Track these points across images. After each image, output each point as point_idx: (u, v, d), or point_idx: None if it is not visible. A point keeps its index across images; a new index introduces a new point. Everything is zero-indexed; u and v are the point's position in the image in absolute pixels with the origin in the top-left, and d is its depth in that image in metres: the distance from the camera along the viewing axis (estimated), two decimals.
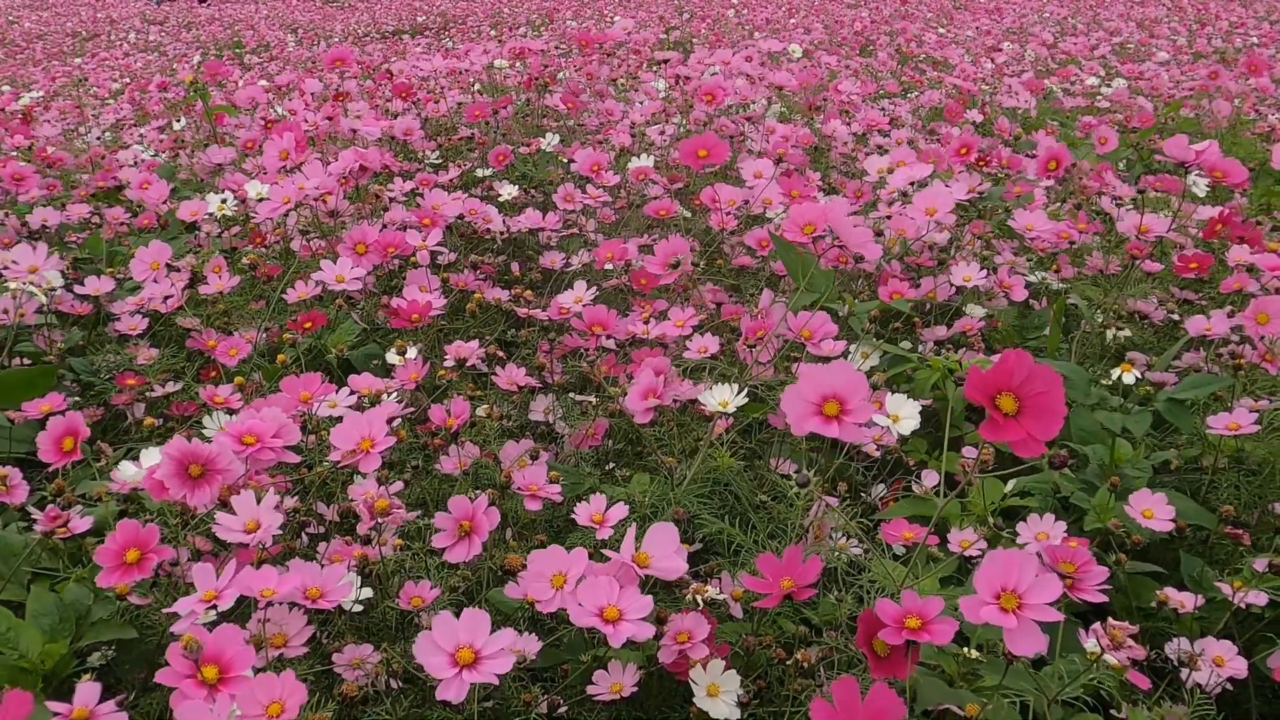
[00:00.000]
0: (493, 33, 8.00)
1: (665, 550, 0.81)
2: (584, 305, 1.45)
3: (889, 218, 1.68)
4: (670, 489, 1.11)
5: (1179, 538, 1.16)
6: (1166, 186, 2.02)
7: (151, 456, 1.00)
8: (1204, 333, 1.33)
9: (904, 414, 1.09)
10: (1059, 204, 2.15)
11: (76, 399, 1.69)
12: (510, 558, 0.82)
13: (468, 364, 1.26)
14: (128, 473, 1.01)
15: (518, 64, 2.88)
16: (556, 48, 6.26)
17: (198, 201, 1.88)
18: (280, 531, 1.02)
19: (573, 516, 1.03)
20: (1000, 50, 4.85)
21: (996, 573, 0.73)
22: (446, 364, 1.26)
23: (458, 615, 1.10)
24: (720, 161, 1.69)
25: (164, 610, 0.84)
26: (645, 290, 1.56)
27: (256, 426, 0.99)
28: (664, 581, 0.89)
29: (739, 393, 1.07)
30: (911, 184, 1.64)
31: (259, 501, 0.90)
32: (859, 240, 1.19)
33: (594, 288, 1.49)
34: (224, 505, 0.91)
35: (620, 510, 0.96)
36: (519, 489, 1.06)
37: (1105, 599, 0.80)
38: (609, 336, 1.43)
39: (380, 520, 0.92)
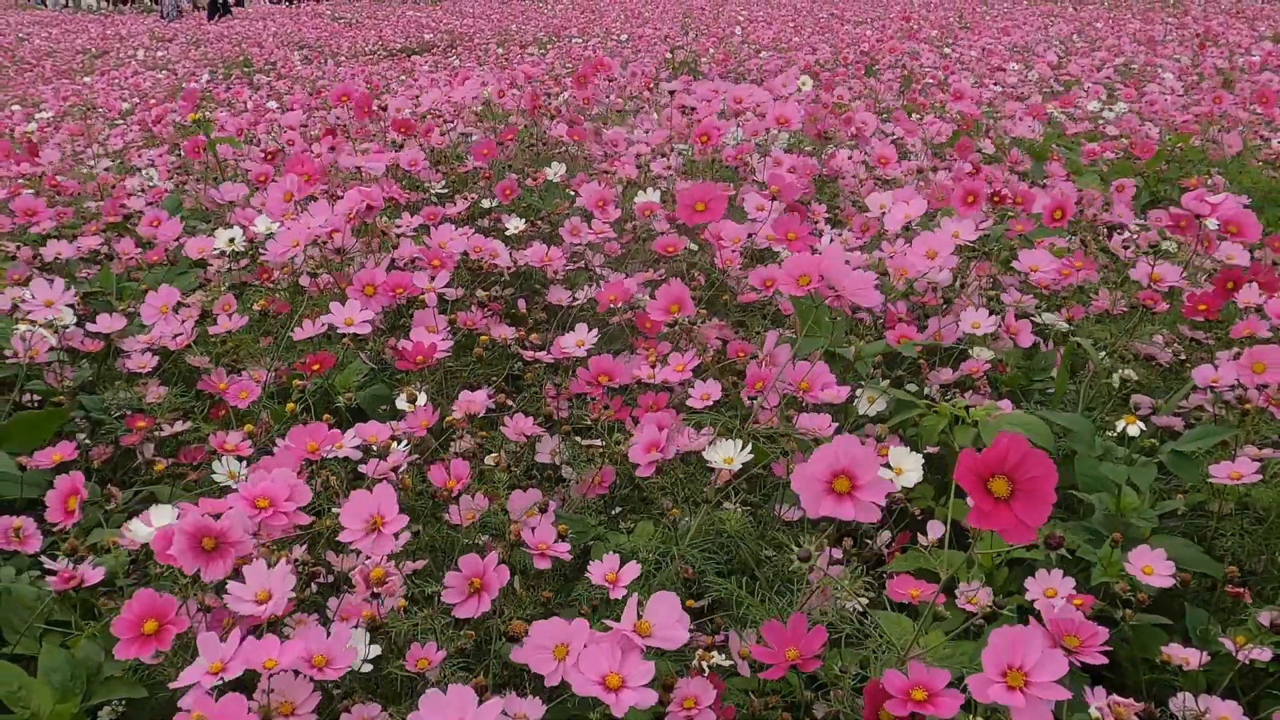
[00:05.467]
0: (500, 50, 8.04)
1: (668, 619, 0.82)
2: (587, 350, 1.44)
3: (893, 255, 1.68)
4: (674, 543, 1.11)
5: (1184, 588, 1.16)
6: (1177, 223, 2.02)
7: (161, 515, 1.01)
8: (1211, 384, 1.33)
9: (907, 466, 1.09)
10: (1067, 236, 2.15)
11: (86, 439, 1.70)
12: (514, 624, 0.82)
13: (476, 416, 1.26)
14: (140, 533, 1.01)
15: (513, 90, 2.89)
16: (561, 65, 6.30)
17: (205, 239, 1.90)
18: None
19: (583, 569, 1.03)
20: (1005, 71, 4.86)
21: (1003, 650, 0.73)
22: (455, 415, 1.26)
23: (468, 672, 1.11)
24: (718, 216, 1.67)
25: (171, 685, 0.85)
26: (649, 333, 1.57)
27: (270, 489, 0.99)
28: None
29: (743, 448, 1.07)
30: (909, 222, 1.63)
31: (271, 567, 0.90)
32: (857, 288, 1.18)
33: (596, 330, 1.49)
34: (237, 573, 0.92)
35: (633, 570, 0.97)
36: (528, 548, 1.06)
37: (1105, 660, 0.80)
38: (619, 385, 1.44)
39: (377, 589, 0.93)
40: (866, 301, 1.18)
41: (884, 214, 1.76)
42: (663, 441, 1.14)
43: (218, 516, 0.95)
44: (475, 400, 1.23)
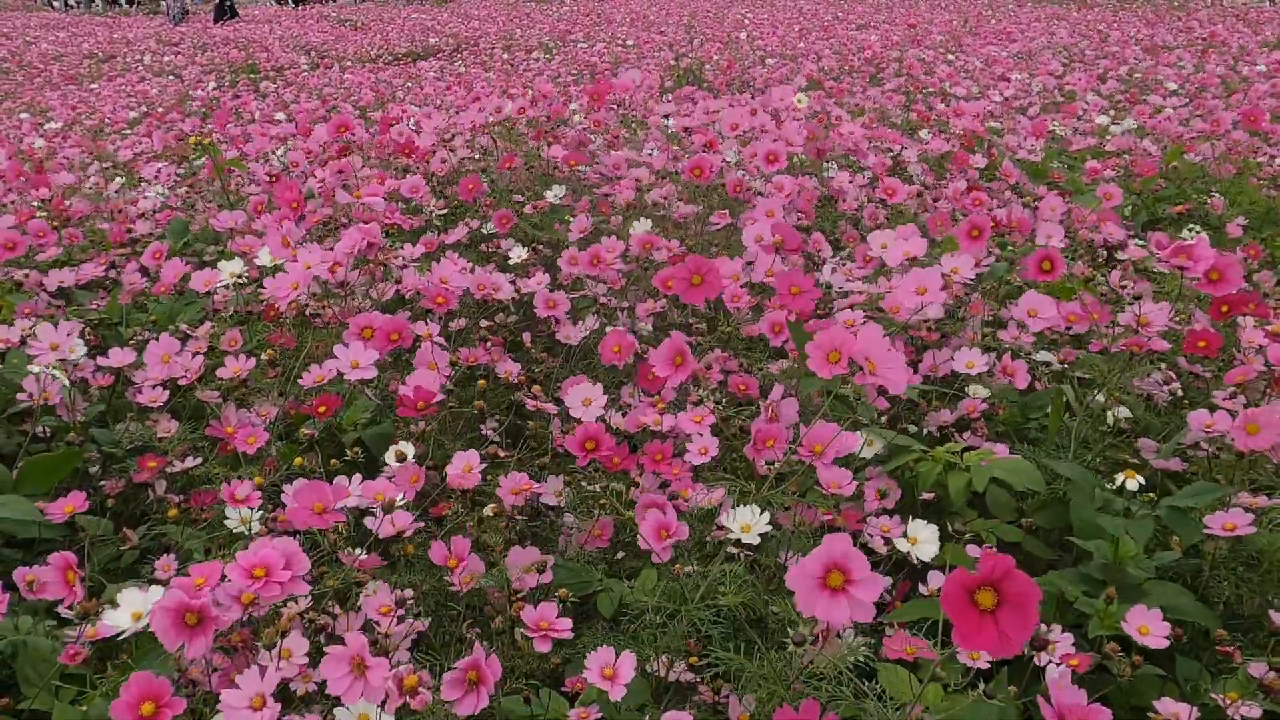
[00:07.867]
0: (505, 55, 8.05)
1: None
2: (596, 415, 1.45)
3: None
4: (680, 600, 1.12)
5: (1178, 640, 1.18)
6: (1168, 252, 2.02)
7: (156, 595, 1.03)
8: (1205, 429, 1.34)
9: (923, 538, 1.10)
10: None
11: (98, 472, 1.72)
12: None
13: (473, 470, 1.28)
14: (120, 621, 1.05)
15: (524, 112, 2.90)
16: (568, 72, 6.30)
17: (210, 272, 1.92)
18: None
19: (586, 617, 1.04)
20: (1008, 81, 4.86)
21: None
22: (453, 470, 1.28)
23: None
24: (715, 292, 1.63)
25: None
26: (652, 389, 1.58)
27: (267, 558, 1.01)
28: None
29: (760, 514, 1.08)
30: (908, 259, 1.64)
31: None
32: (891, 370, 1.12)
33: (601, 386, 1.50)
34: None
35: (629, 664, 0.97)
36: (528, 630, 1.07)
37: None
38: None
39: (408, 700, 0.93)
40: (896, 387, 1.12)
41: (884, 250, 1.76)
42: (673, 523, 1.13)
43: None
44: (470, 477, 1.25)
